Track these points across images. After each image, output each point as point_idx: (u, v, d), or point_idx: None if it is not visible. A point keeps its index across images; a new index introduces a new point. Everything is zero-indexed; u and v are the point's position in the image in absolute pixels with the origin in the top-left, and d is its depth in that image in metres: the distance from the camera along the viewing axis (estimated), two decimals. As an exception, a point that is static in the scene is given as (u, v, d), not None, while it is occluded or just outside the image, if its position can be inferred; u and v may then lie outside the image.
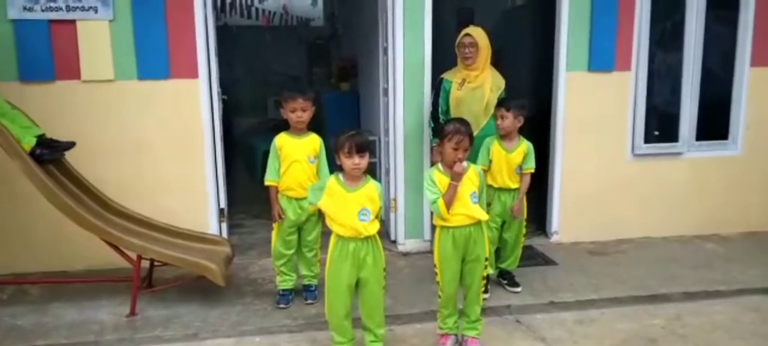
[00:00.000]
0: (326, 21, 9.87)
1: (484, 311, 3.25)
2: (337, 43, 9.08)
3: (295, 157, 3.49)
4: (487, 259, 3.09)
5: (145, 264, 3.69)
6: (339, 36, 8.99)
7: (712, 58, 4.95)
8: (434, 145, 4.07)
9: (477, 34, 4.00)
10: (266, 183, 3.57)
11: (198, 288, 3.75)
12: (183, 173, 4.31)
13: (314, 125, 3.65)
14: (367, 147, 2.76)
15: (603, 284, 4.01)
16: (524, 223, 3.84)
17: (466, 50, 3.99)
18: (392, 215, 4.66)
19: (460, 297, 3.10)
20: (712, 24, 4.85)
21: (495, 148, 3.67)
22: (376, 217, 2.82)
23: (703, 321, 3.46)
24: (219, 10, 8.88)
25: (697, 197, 5.00)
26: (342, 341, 2.92)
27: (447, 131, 2.93)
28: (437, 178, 2.95)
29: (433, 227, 3.13)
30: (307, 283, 3.74)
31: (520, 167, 3.68)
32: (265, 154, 3.65)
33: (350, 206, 2.76)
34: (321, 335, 3.22)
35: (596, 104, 4.71)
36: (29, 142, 3.40)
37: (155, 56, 4.13)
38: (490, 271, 3.58)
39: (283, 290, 3.68)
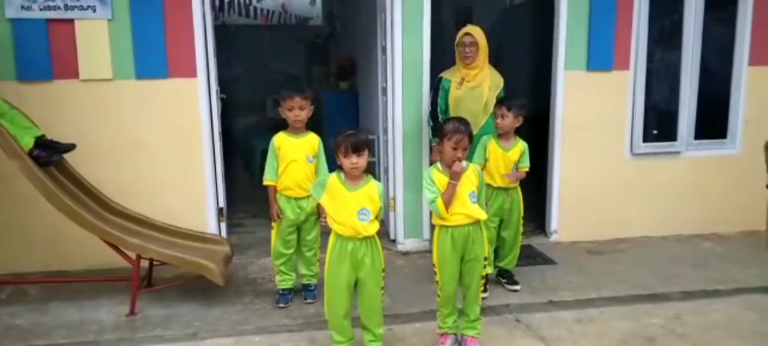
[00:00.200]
0: (325, 20, 9.86)
1: (484, 310, 3.25)
2: (336, 42, 9.07)
3: (293, 157, 3.49)
4: (486, 258, 3.09)
5: (145, 264, 3.69)
6: (338, 35, 8.98)
7: (711, 57, 4.96)
8: (433, 144, 4.07)
9: (476, 33, 4.01)
10: (265, 183, 3.57)
11: (197, 287, 3.75)
12: (182, 172, 4.30)
13: (313, 124, 3.64)
14: (364, 146, 2.76)
15: (602, 283, 4.01)
16: (522, 222, 3.84)
17: (466, 50, 3.99)
18: (391, 215, 4.67)
19: (459, 296, 3.10)
20: (711, 23, 4.86)
21: (492, 147, 3.67)
22: (377, 217, 2.82)
23: (702, 320, 3.47)
24: (217, 9, 8.87)
25: (695, 196, 5.01)
26: (341, 340, 2.92)
27: (446, 130, 2.94)
28: (436, 177, 2.95)
29: (432, 227, 3.13)
30: (306, 282, 3.74)
31: (517, 166, 3.70)
32: (264, 154, 3.65)
33: (350, 205, 2.76)
34: (320, 334, 3.22)
35: (595, 103, 4.71)
36: (27, 143, 3.39)
37: (154, 55, 4.13)
38: (489, 270, 3.58)
39: (283, 290, 3.68)
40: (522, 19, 6.64)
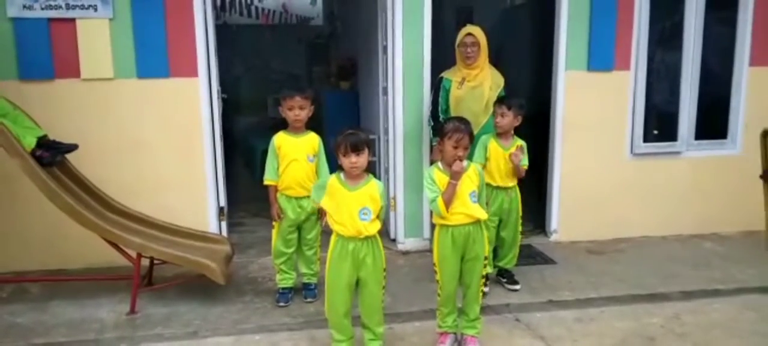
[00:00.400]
0: (326, 20, 9.87)
1: (484, 309, 3.25)
2: (337, 42, 9.07)
3: (293, 156, 3.50)
4: (486, 258, 3.09)
5: (145, 262, 3.69)
6: (338, 35, 8.98)
7: (711, 58, 4.96)
8: (434, 143, 4.08)
9: (478, 33, 4.02)
10: (265, 182, 3.58)
11: (198, 286, 3.75)
12: (183, 171, 4.31)
13: (314, 124, 3.65)
14: (363, 146, 2.76)
15: (602, 282, 4.02)
16: (520, 221, 3.85)
17: (468, 50, 4.00)
18: (392, 214, 4.67)
19: (459, 296, 3.11)
20: (711, 23, 4.86)
21: (492, 146, 3.68)
22: (378, 216, 2.83)
23: (702, 320, 3.47)
24: (219, 9, 8.88)
25: (695, 196, 5.01)
26: (341, 339, 2.93)
27: (447, 130, 2.94)
28: (437, 176, 2.95)
29: (433, 226, 3.14)
30: (306, 281, 3.75)
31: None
32: (265, 153, 3.66)
33: (351, 205, 2.76)
34: (320, 333, 3.23)
35: (595, 103, 4.72)
36: (30, 143, 3.40)
37: (155, 55, 4.13)
38: (489, 270, 3.59)
39: (283, 289, 3.69)
40: (523, 19, 6.63)
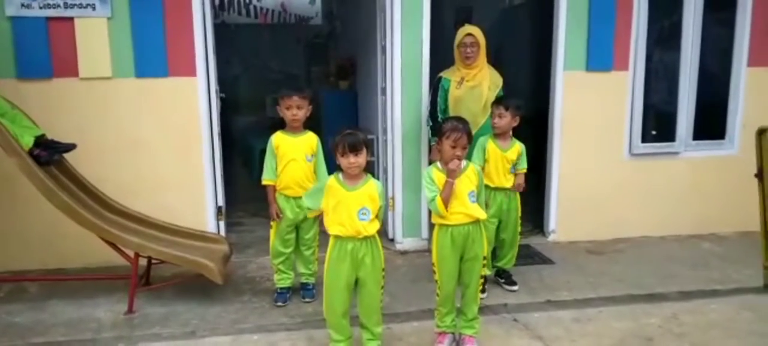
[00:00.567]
0: (324, 19, 9.87)
1: (482, 309, 3.25)
2: (336, 42, 9.07)
3: (292, 156, 3.49)
4: (485, 258, 3.10)
5: (143, 262, 3.69)
6: (337, 34, 8.98)
7: (710, 58, 4.97)
8: (433, 143, 4.08)
9: (477, 33, 4.02)
10: (263, 182, 3.57)
11: (196, 286, 3.75)
12: (181, 170, 4.31)
13: (312, 124, 3.65)
14: (361, 146, 2.76)
15: (600, 282, 4.02)
16: (519, 222, 3.85)
17: (468, 50, 4.00)
18: (390, 214, 4.67)
19: (457, 295, 3.11)
20: (710, 24, 4.86)
21: (490, 147, 3.68)
22: (377, 216, 2.83)
23: (700, 320, 3.47)
24: (217, 8, 8.88)
25: (694, 196, 5.02)
26: (339, 339, 2.93)
27: (445, 129, 2.94)
28: (436, 176, 2.96)
29: (432, 226, 3.13)
30: (304, 281, 3.74)
31: (514, 166, 3.70)
32: (263, 153, 3.65)
33: (351, 205, 2.76)
34: (318, 333, 3.22)
35: (594, 104, 4.72)
36: (28, 142, 3.40)
37: (153, 54, 4.13)
38: (487, 271, 3.59)
39: (281, 288, 3.69)
40: (522, 19, 6.64)
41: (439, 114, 4.11)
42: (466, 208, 2.93)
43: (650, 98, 4.92)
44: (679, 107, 4.94)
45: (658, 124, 5.04)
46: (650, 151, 4.93)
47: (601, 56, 4.66)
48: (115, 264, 3.74)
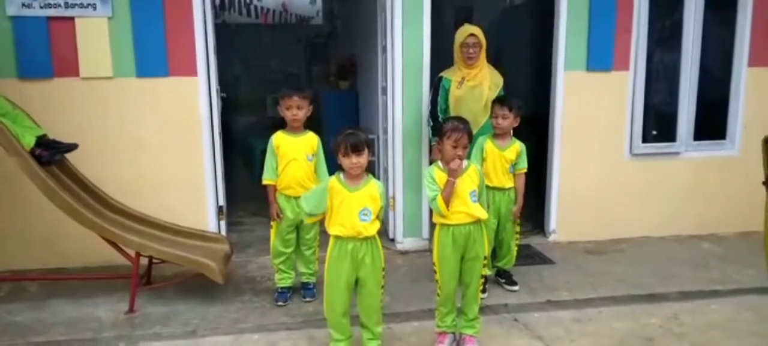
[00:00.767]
0: (325, 19, 9.87)
1: (482, 309, 3.25)
2: (336, 42, 9.07)
3: (292, 156, 3.50)
4: (485, 258, 3.10)
5: (144, 261, 3.69)
6: (338, 34, 8.98)
7: (710, 58, 4.97)
8: (434, 143, 4.08)
9: (479, 33, 4.02)
10: (264, 182, 3.58)
11: (197, 285, 3.75)
12: (182, 170, 4.31)
13: (313, 124, 3.65)
14: (363, 146, 2.76)
15: (600, 283, 4.02)
16: (519, 222, 3.85)
17: (471, 50, 4.00)
18: (390, 214, 4.67)
19: (458, 295, 3.11)
20: (710, 24, 4.86)
21: (489, 147, 3.68)
22: (377, 216, 2.83)
23: (700, 320, 3.47)
24: (218, 8, 8.88)
25: (694, 196, 5.02)
26: (340, 338, 2.93)
27: (446, 129, 2.95)
28: (437, 175, 2.96)
29: (433, 225, 3.14)
30: (305, 281, 3.75)
31: (513, 166, 3.70)
32: (263, 153, 3.66)
33: (352, 206, 2.76)
34: (319, 332, 3.23)
35: (594, 104, 4.72)
36: (29, 142, 3.40)
37: (154, 54, 4.13)
38: (488, 272, 3.59)
39: (282, 288, 3.69)
40: (522, 19, 6.63)
41: (439, 114, 4.11)
42: (467, 207, 2.93)
43: (651, 98, 4.92)
44: (680, 107, 4.94)
45: (658, 125, 5.04)
46: (651, 152, 4.93)
47: (602, 56, 4.66)
48: (115, 264, 3.75)
